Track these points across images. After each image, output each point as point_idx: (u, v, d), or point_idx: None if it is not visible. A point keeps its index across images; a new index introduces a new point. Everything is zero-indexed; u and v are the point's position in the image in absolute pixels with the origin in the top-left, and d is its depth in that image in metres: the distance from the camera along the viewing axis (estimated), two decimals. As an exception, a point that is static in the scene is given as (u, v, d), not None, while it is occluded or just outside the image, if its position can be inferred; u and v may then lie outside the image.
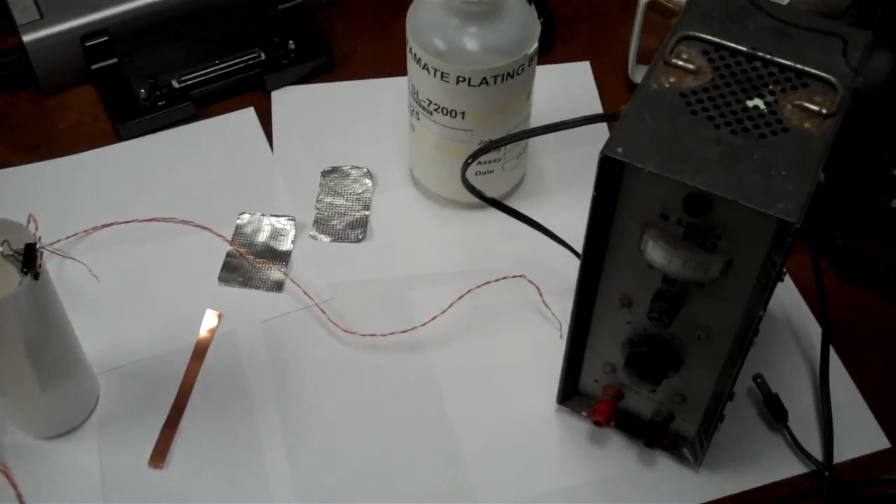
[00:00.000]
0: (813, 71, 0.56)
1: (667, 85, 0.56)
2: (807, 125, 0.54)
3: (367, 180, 0.82)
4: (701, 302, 0.58)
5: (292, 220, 0.79)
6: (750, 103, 0.55)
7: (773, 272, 0.53)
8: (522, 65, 0.72)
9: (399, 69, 0.87)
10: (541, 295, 0.75)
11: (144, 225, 0.78)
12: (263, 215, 0.79)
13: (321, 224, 0.79)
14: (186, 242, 0.78)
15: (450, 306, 0.73)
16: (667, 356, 0.62)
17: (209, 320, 0.73)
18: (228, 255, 0.77)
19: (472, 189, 0.70)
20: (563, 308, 0.75)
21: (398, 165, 0.83)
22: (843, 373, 0.72)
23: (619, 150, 0.53)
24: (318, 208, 0.80)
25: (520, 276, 0.75)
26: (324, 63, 0.89)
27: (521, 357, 0.72)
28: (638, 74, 0.88)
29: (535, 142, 0.83)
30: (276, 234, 0.78)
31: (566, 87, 0.90)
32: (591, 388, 0.68)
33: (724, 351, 0.60)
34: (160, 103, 0.85)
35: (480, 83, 0.71)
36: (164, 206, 0.79)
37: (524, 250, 0.77)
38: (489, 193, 0.79)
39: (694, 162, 0.53)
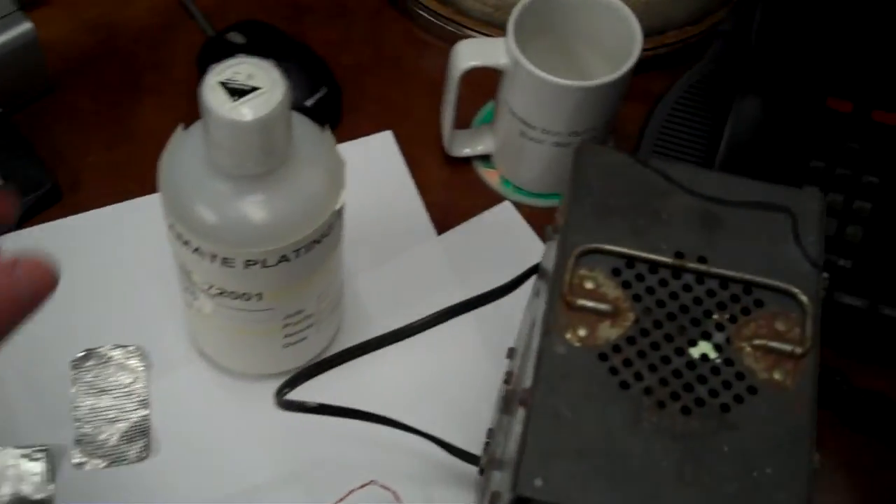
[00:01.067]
0: (766, 281, 0.40)
1: (577, 344, 0.39)
2: (777, 375, 0.39)
3: (138, 363, 0.61)
4: None
5: (43, 450, 0.58)
6: (695, 351, 0.39)
7: None
8: (331, 224, 0.53)
9: (149, 181, 0.66)
10: (398, 500, 0.58)
11: None
12: (2, 449, 0.58)
13: (87, 444, 0.59)
14: None
15: (286, 558, 0.55)
16: None
17: None
18: (-36, 528, 0.56)
19: (292, 407, 0.51)
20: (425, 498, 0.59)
21: (174, 330, 0.63)
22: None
23: (538, 483, 0.36)
24: (77, 419, 0.59)
25: (369, 485, 0.57)
26: (46, 192, 0.66)
27: None
28: (456, 146, 0.70)
29: (346, 260, 0.64)
30: (25, 476, 0.57)
31: (369, 167, 0.70)
32: None
33: None
34: None
35: (279, 261, 0.52)
36: None
37: (361, 428, 0.59)
38: (303, 359, 0.62)
39: (647, 480, 0.36)
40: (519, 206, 0.70)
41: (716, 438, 0.37)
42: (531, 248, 0.68)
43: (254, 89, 0.46)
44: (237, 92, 0.46)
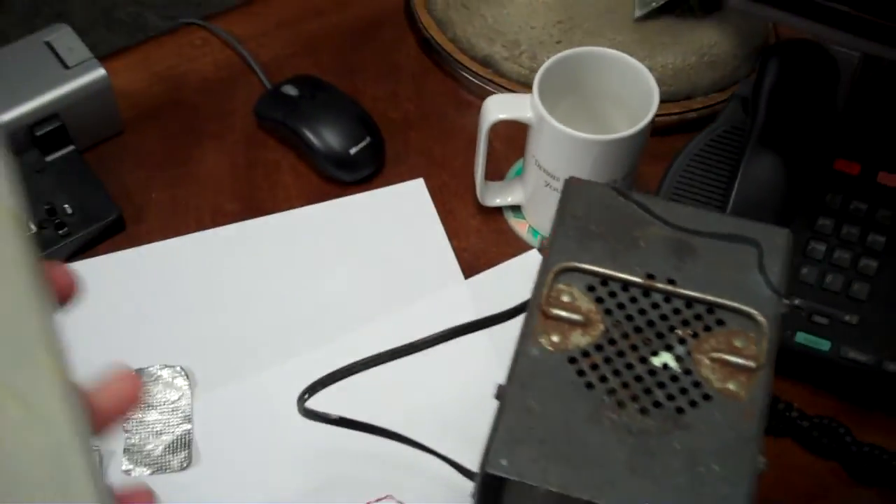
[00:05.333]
0: (727, 302, 0.44)
1: (550, 348, 0.43)
2: (731, 386, 0.43)
3: (183, 382, 0.67)
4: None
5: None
6: (657, 360, 0.43)
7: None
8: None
9: (206, 218, 0.72)
10: (412, 513, 0.62)
11: None
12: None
13: (134, 453, 0.64)
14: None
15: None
16: None
17: None
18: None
19: (314, 416, 0.56)
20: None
21: (217, 353, 0.68)
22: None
23: (504, 462, 0.40)
24: (126, 430, 0.65)
25: (385, 499, 0.62)
26: (111, 222, 0.73)
27: None
28: (488, 196, 0.75)
29: (377, 298, 0.70)
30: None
31: (401, 211, 0.76)
32: None
33: None
34: None
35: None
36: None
37: (379, 444, 0.63)
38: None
39: (601, 468, 0.40)
40: (546, 255, 0.75)
41: (669, 437, 0.41)
42: (554, 293, 0.72)
43: None
44: None
